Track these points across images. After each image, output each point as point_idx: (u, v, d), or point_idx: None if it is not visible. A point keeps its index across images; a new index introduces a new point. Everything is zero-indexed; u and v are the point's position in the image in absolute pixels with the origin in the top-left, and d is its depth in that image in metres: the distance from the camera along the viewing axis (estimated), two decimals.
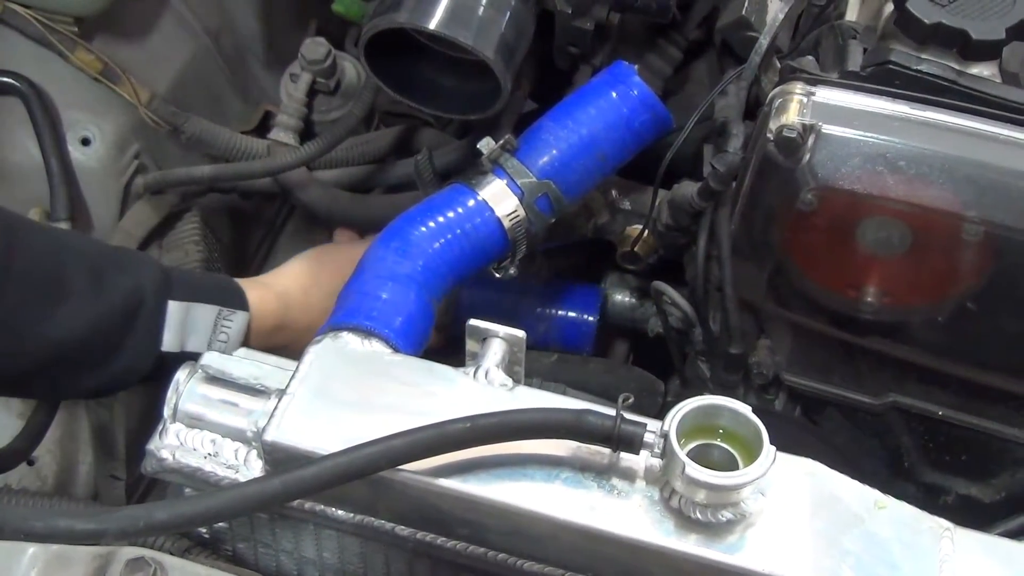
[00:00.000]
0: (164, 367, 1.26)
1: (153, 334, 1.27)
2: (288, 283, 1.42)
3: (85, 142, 1.64)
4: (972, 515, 1.39)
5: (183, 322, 1.28)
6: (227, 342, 1.31)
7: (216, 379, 1.04)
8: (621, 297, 1.67)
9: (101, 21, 1.66)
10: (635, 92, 1.36)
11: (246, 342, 1.33)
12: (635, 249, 1.51)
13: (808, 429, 1.46)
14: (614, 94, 1.36)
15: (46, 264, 1.22)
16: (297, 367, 1.01)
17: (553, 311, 1.67)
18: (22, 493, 1.39)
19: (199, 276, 1.39)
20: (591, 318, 1.66)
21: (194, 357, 1.24)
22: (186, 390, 1.03)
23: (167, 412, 1.02)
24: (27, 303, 1.19)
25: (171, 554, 1.05)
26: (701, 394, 1.50)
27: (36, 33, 1.61)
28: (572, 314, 1.67)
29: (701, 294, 1.42)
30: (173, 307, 1.28)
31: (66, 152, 1.62)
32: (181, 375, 1.04)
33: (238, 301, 1.34)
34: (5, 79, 1.60)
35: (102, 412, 1.59)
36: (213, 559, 1.09)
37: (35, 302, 1.20)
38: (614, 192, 1.53)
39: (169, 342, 1.27)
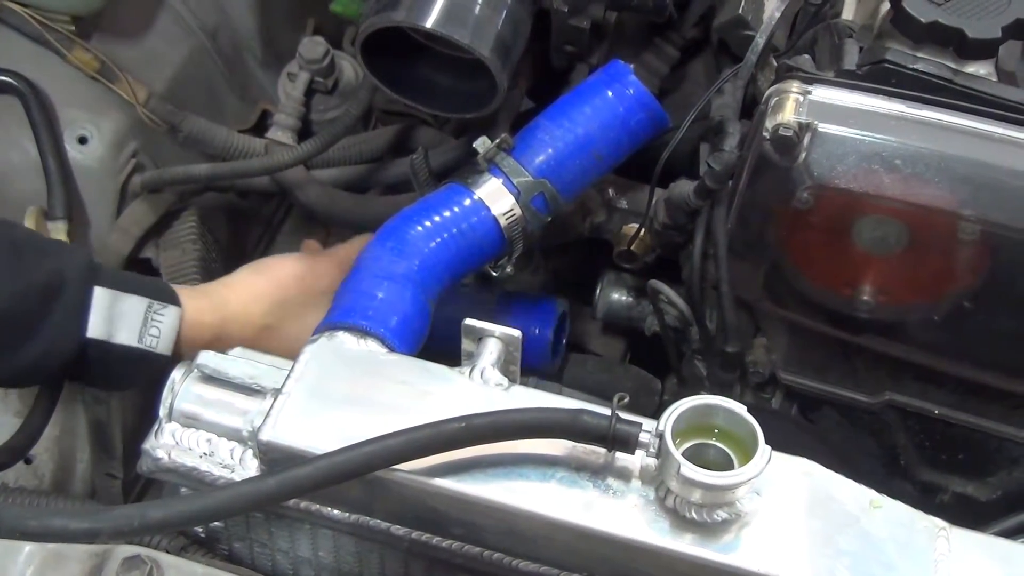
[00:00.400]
0: (90, 357, 1.24)
1: (75, 317, 1.22)
2: (229, 295, 1.37)
3: (82, 141, 1.63)
4: (968, 513, 1.40)
5: (110, 310, 1.24)
6: (159, 337, 1.26)
7: (212, 378, 1.04)
8: (618, 296, 1.66)
9: (98, 20, 1.66)
10: (631, 91, 1.36)
11: (177, 350, 1.29)
12: (632, 248, 1.51)
13: (804, 428, 1.46)
14: (610, 93, 1.36)
15: None
16: (293, 366, 1.01)
17: (509, 322, 1.62)
18: (19, 491, 1.39)
19: (129, 272, 1.35)
20: (546, 332, 1.62)
21: (124, 351, 1.23)
22: (182, 389, 1.03)
23: (163, 412, 1.02)
24: None
25: (167, 552, 1.05)
26: (698, 393, 1.51)
27: (33, 32, 1.61)
28: (528, 329, 1.61)
29: (698, 293, 1.42)
30: (99, 293, 1.24)
31: (63, 151, 1.61)
32: (177, 374, 1.04)
33: (169, 296, 1.30)
34: (2, 78, 1.59)
35: (99, 410, 1.59)
36: (209, 557, 1.09)
37: None
38: (611, 191, 1.54)
39: (95, 328, 1.23)
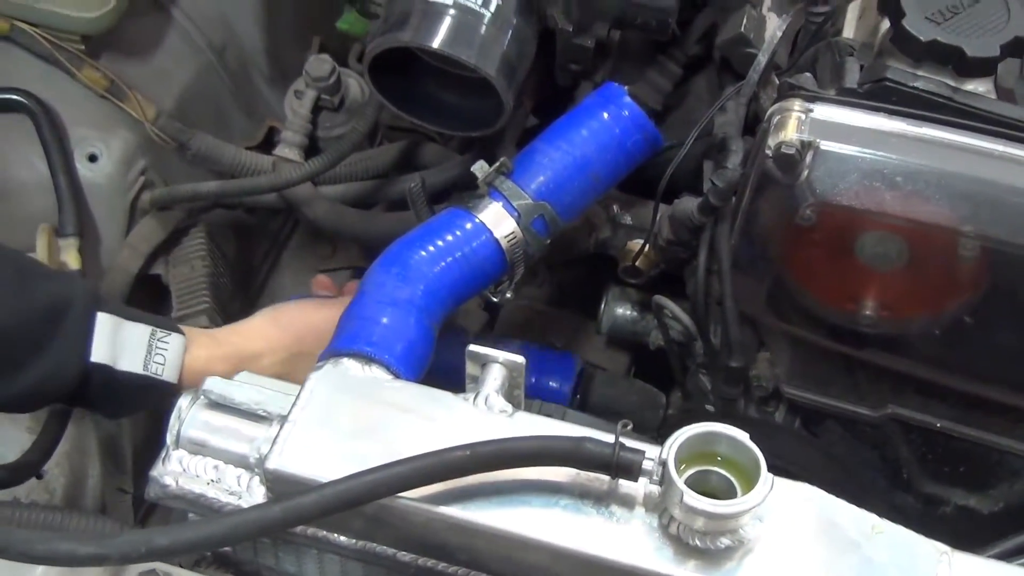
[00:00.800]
0: (94, 383, 1.23)
1: (80, 340, 1.22)
2: (243, 345, 1.36)
3: (92, 159, 1.66)
4: (971, 526, 1.40)
5: (114, 336, 1.24)
6: (164, 364, 1.26)
7: (218, 405, 1.04)
8: (622, 310, 1.67)
9: (108, 39, 1.68)
10: (626, 113, 1.37)
11: (183, 385, 1.28)
12: (636, 263, 1.52)
13: (808, 441, 1.47)
14: (606, 115, 1.37)
15: None
16: (299, 393, 1.02)
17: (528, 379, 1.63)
18: (31, 506, 1.41)
19: (130, 307, 1.33)
20: (565, 389, 1.63)
21: (129, 377, 1.23)
22: (188, 416, 1.03)
23: (170, 438, 1.03)
24: None
25: (181, 566, 1.06)
26: (702, 406, 1.51)
27: (44, 51, 1.64)
28: (544, 380, 1.63)
29: (702, 308, 1.43)
30: (103, 318, 1.24)
31: (74, 169, 1.63)
32: (184, 401, 1.05)
33: (171, 325, 1.30)
34: (13, 96, 1.62)
35: (110, 426, 1.61)
36: (223, 572, 1.11)
37: None
38: (615, 207, 1.55)
39: (99, 354, 1.22)
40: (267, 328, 1.39)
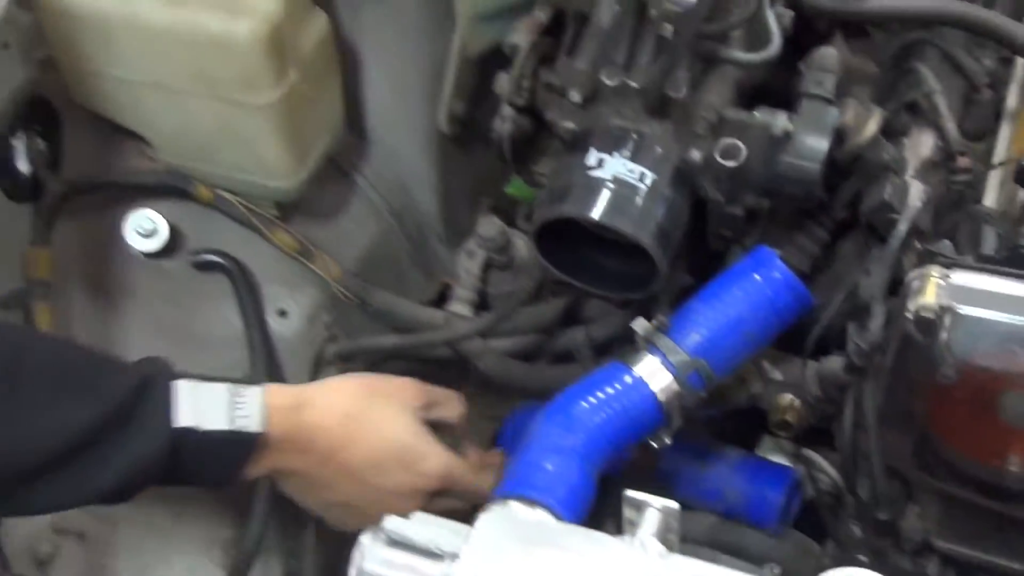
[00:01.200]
0: (185, 448, 1.26)
1: (163, 410, 1.25)
2: (307, 386, 1.47)
3: (282, 314, 1.76)
4: None
5: (195, 398, 1.28)
6: (249, 416, 1.30)
7: (396, 542, 1.11)
8: (775, 461, 1.73)
9: (298, 204, 1.81)
10: (777, 275, 1.44)
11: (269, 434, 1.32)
12: (787, 418, 1.59)
13: None
14: (758, 277, 1.44)
15: (55, 361, 1.25)
16: (470, 533, 1.10)
17: (741, 482, 1.69)
18: None
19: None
20: (777, 497, 1.67)
21: (217, 437, 1.27)
22: (369, 553, 1.11)
23: (353, 573, 1.11)
24: (38, 397, 1.21)
25: None
26: (855, 556, 1.54)
27: (241, 216, 1.77)
28: (759, 489, 1.68)
29: (850, 462, 1.47)
30: (181, 384, 1.28)
31: (265, 324, 1.74)
32: (365, 539, 1.14)
33: (246, 381, 1.35)
34: (214, 258, 1.75)
35: (293, 563, 1.71)
36: None
37: (46, 395, 1.21)
38: (766, 363, 1.61)
39: (184, 418, 1.26)
40: (331, 379, 1.55)
